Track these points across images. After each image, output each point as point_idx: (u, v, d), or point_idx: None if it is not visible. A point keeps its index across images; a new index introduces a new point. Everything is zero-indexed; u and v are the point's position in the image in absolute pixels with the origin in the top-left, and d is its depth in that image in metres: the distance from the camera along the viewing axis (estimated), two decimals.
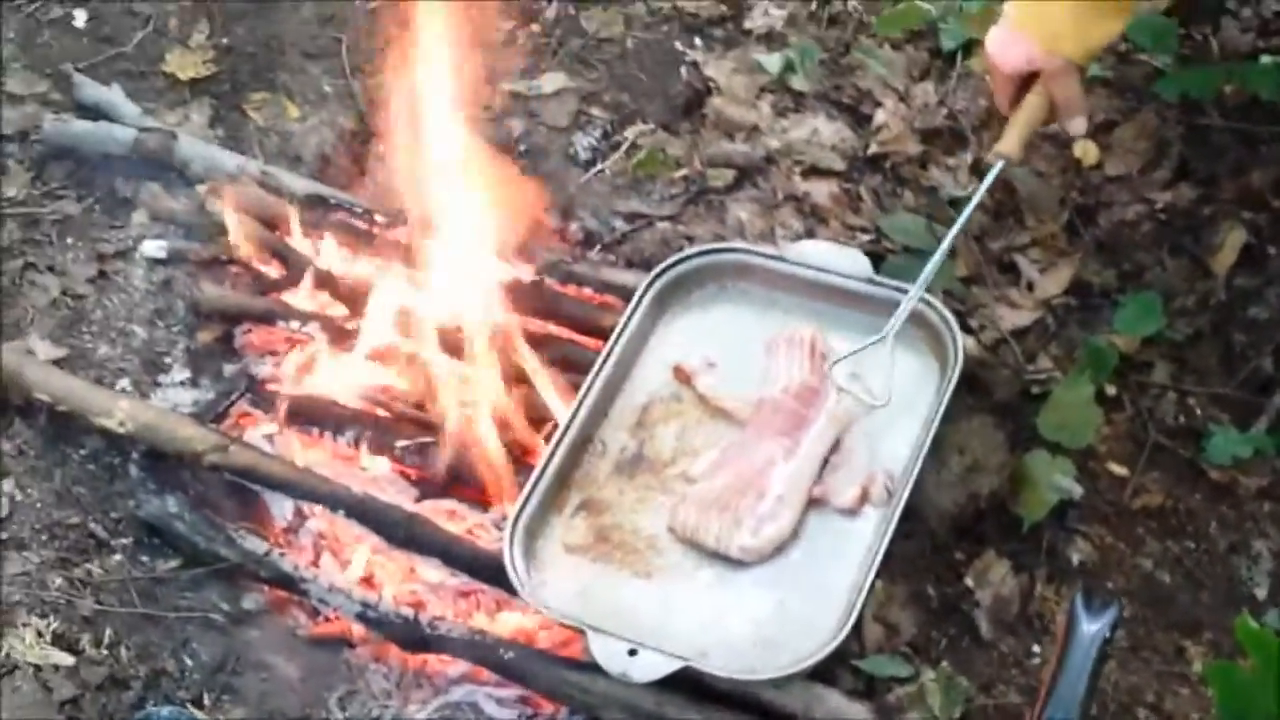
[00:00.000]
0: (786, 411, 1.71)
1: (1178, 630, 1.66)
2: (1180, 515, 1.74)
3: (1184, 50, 2.05)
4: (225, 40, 2.22)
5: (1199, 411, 1.79)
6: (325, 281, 1.92)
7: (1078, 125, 1.74)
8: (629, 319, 1.79)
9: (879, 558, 1.58)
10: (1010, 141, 1.70)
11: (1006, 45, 1.73)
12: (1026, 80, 1.70)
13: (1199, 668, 1.63)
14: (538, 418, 1.78)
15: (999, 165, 1.71)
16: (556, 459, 1.69)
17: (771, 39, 2.17)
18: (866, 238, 1.91)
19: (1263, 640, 1.18)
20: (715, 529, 1.63)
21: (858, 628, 1.58)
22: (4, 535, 1.72)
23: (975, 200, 1.71)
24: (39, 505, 1.75)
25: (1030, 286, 1.90)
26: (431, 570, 1.73)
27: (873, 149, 2.02)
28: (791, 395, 1.72)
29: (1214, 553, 1.71)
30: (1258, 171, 1.94)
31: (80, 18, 2.24)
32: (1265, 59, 2.01)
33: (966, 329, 1.79)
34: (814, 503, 1.66)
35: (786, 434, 1.69)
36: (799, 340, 1.76)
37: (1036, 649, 1.64)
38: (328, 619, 1.72)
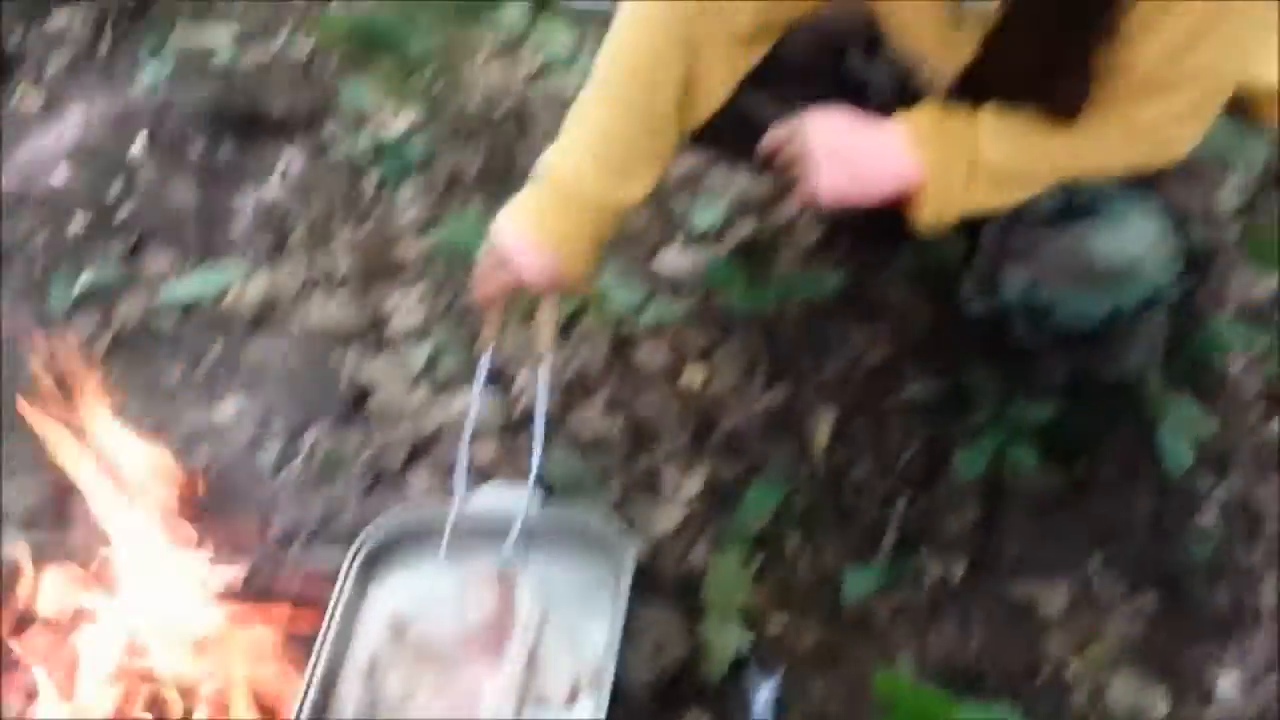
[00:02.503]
0: (484, 637, 1.96)
1: None
2: (833, 650, 2.01)
3: (749, 283, 2.46)
4: None
5: (829, 564, 2.10)
6: (47, 622, 2.07)
7: (544, 343, 2.02)
8: (340, 591, 2.01)
9: None
10: (546, 339, 2.02)
11: (531, 251, 1.93)
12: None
13: None
14: (274, 697, 1.97)
15: (547, 369, 2.01)
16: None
17: (415, 336, 2.47)
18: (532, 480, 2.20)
19: (895, 685, 1.48)
20: None
21: None
22: None
23: (545, 398, 2.02)
24: None
25: (673, 494, 2.21)
26: None
27: (519, 409, 2.34)
28: (485, 622, 1.97)
29: (866, 674, 1.95)
30: (829, 365, 2.31)
31: None
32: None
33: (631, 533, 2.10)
34: (535, 703, 1.91)
35: (488, 655, 1.94)
36: (484, 576, 2.03)
37: None
38: None
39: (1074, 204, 1.83)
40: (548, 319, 2.03)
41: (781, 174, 1.93)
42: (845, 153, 1.86)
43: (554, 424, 2.30)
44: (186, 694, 1.95)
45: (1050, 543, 2.09)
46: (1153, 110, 1.76)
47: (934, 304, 2.35)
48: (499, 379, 2.33)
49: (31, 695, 2.00)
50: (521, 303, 2.07)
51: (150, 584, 2.04)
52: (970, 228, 1.93)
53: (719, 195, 2.61)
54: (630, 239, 2.55)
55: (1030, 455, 2.14)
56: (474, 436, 2.07)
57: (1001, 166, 1.83)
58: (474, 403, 2.03)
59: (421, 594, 2.04)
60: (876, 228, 2.38)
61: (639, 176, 1.97)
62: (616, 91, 1.96)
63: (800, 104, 1.92)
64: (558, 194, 1.95)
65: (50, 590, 2.10)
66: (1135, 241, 1.82)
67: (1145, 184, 1.84)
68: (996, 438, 2.15)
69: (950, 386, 2.25)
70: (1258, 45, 1.78)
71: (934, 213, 1.87)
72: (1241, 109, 1.89)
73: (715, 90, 1.99)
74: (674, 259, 2.53)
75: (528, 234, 1.94)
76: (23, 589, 2.09)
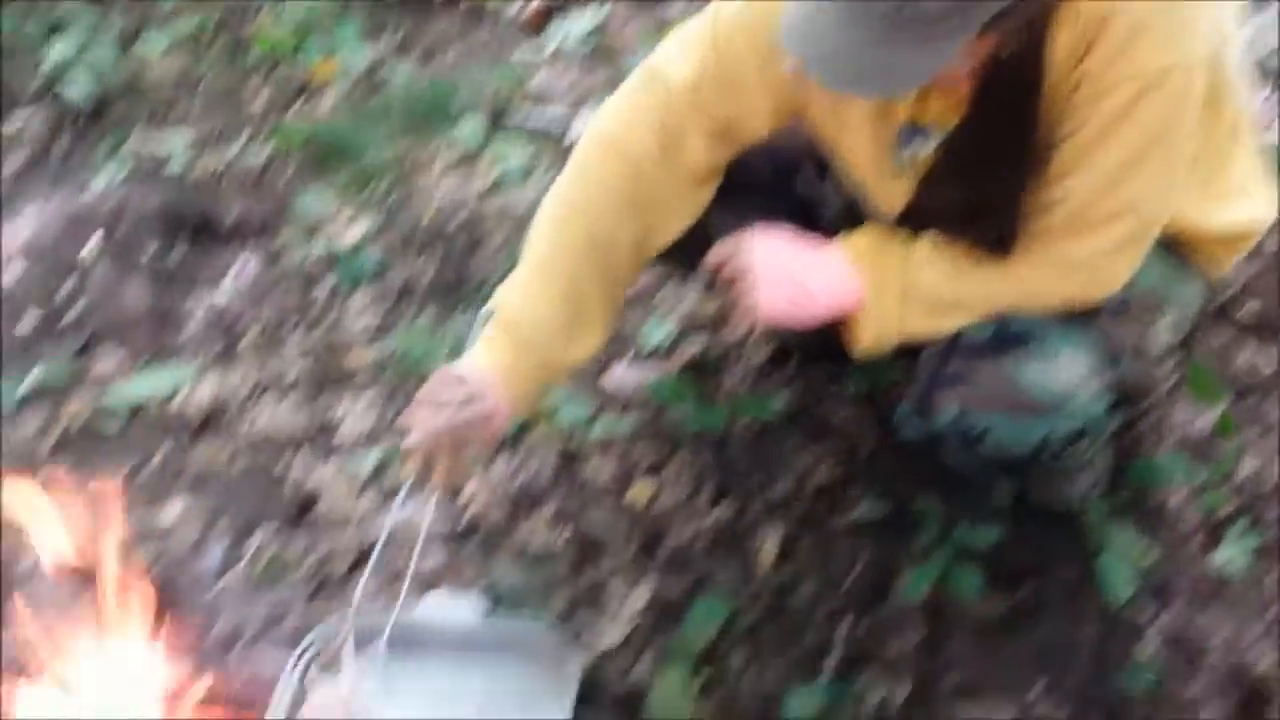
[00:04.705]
0: None
1: None
2: None
3: (697, 401, 2.49)
4: None
5: (772, 683, 2.09)
6: None
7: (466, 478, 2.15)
8: (282, 694, 2.00)
9: None
10: (466, 477, 2.11)
11: (488, 394, 1.88)
12: None
13: None
14: None
15: (436, 496, 1.95)
16: None
17: (363, 442, 2.47)
18: (478, 590, 2.20)
19: None
20: None
21: None
22: None
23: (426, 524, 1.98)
24: None
25: (618, 609, 2.21)
26: None
27: (465, 520, 2.34)
28: None
29: None
30: (778, 484, 2.33)
31: None
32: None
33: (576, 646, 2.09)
34: None
35: None
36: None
37: None
38: None
39: (1009, 333, 1.87)
40: (473, 456, 2.07)
41: (724, 289, 1.97)
42: (784, 273, 1.90)
43: (500, 534, 2.31)
44: None
45: (993, 667, 2.10)
46: (1086, 245, 1.81)
47: (881, 426, 2.38)
48: None
49: None
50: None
51: (94, 682, 2.01)
52: (910, 353, 1.97)
53: (669, 312, 2.65)
54: None
55: (974, 579, 2.16)
56: (423, 547, 2.07)
57: (935, 293, 1.88)
58: (385, 528, 1.98)
59: (365, 699, 2.01)
60: (824, 348, 2.41)
61: (592, 333, 1.99)
62: (569, 256, 1.96)
63: (752, 217, 1.97)
64: (507, 340, 1.93)
65: None
66: (1067, 373, 1.87)
67: (1081, 317, 1.88)
68: (941, 561, 2.18)
69: (896, 508, 2.28)
70: (1185, 185, 1.84)
71: (871, 336, 1.91)
72: (1178, 252, 1.95)
73: (673, 233, 2.04)
74: (623, 374, 2.55)
75: (491, 378, 1.91)
76: None
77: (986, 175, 1.81)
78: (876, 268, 1.87)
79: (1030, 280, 1.85)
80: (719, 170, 2.03)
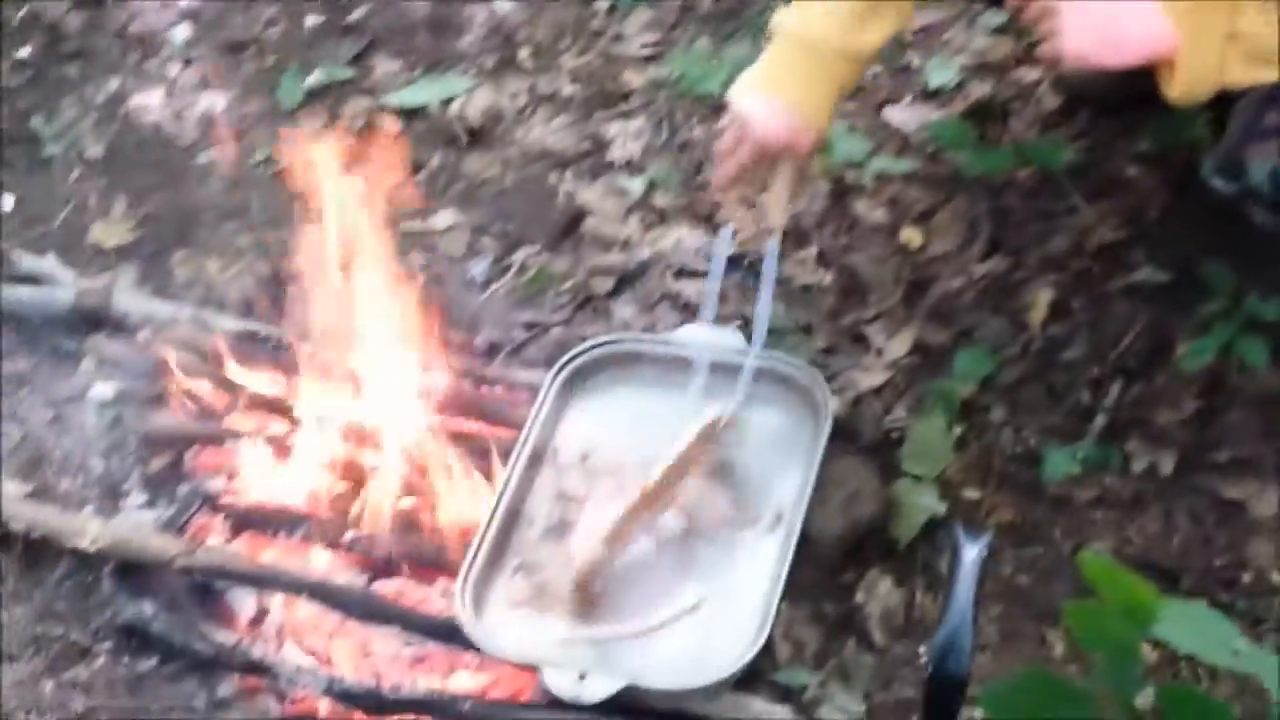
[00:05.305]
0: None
1: (1039, 621, 1.89)
2: (1028, 527, 1.98)
3: (979, 145, 2.39)
4: (143, 211, 2.46)
5: (1032, 441, 2.05)
6: (262, 402, 2.14)
7: (776, 220, 1.98)
8: (540, 408, 2.03)
9: (782, 583, 1.82)
10: (777, 218, 1.98)
11: (769, 116, 1.90)
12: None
13: (1060, 650, 1.88)
14: (468, 501, 2.01)
15: (777, 239, 1.98)
16: (492, 531, 1.90)
17: (633, 166, 2.45)
18: (736, 323, 2.19)
19: (1105, 570, 1.43)
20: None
21: (769, 647, 1.82)
22: None
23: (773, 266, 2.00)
24: (23, 623, 1.93)
25: (879, 352, 2.17)
26: (387, 644, 1.92)
27: (731, 250, 2.31)
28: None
29: (1060, 555, 1.95)
30: (1055, 239, 2.24)
31: (8, 202, 2.47)
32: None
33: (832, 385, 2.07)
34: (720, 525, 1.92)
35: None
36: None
37: (922, 649, 1.89)
38: (295, 700, 1.90)
39: None
40: (781, 190, 1.99)
41: (1028, 24, 1.85)
42: (1096, 12, 1.78)
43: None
44: (388, 486, 1.99)
45: (1268, 447, 2.00)
46: None
47: (1173, 188, 2.24)
48: (711, 219, 2.31)
49: (232, 474, 2.07)
50: (759, 178, 2.02)
51: (361, 379, 2.07)
52: (1221, 104, 1.83)
53: (957, 52, 2.53)
54: (860, 90, 2.49)
55: (1261, 352, 2.04)
56: (686, 273, 2.07)
57: (1261, 41, 1.73)
58: (712, 281, 2.01)
59: (620, 422, 2.04)
60: (1121, 99, 2.28)
61: (879, 18, 1.90)
62: None
63: None
64: (795, 48, 1.90)
65: (260, 375, 2.16)
66: None
67: None
68: (1226, 331, 2.06)
69: (1181, 274, 2.16)
70: None
71: (1185, 84, 1.77)
72: None
73: None
74: (904, 114, 2.46)
75: (766, 97, 1.90)
76: (232, 372, 2.15)
77: None
78: (1197, 11, 1.73)
79: None
80: None
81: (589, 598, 1.86)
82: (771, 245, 2.01)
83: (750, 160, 1.94)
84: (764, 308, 2.01)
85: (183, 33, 2.79)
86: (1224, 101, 1.83)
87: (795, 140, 1.93)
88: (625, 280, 2.29)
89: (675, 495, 1.93)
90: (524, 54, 2.66)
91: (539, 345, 2.22)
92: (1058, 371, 2.12)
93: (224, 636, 1.91)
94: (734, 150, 1.95)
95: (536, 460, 2.00)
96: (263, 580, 1.95)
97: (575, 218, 2.39)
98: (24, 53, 2.78)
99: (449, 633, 1.86)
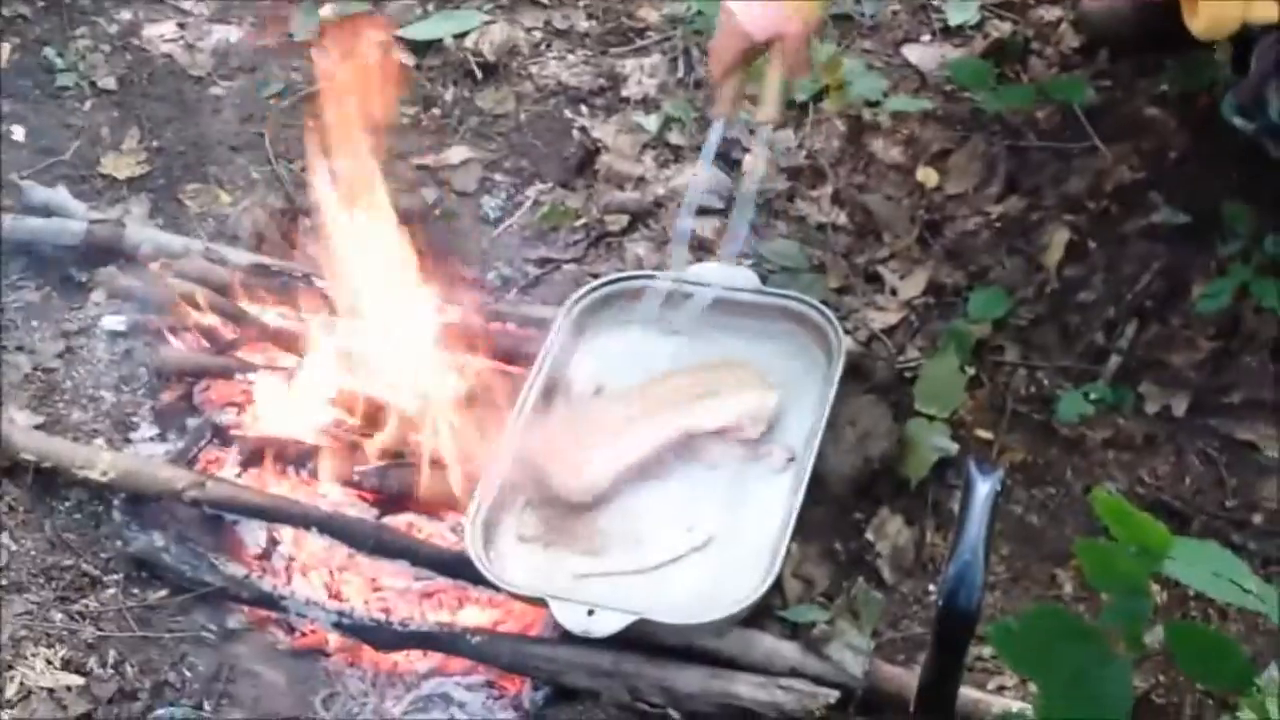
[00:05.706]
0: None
1: (1049, 561, 1.90)
2: (1040, 467, 1.98)
3: (998, 84, 2.37)
4: (155, 142, 2.45)
5: (1046, 381, 2.04)
6: (272, 336, 2.14)
7: (769, 112, 1.94)
8: (553, 342, 2.02)
9: (793, 521, 1.82)
10: (770, 109, 1.94)
11: (756, 11, 1.87)
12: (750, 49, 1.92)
13: (1070, 589, 1.88)
14: (479, 434, 2.00)
15: (768, 129, 1.98)
16: (504, 465, 1.92)
17: (648, 103, 2.43)
18: (749, 262, 2.17)
19: (1118, 508, 1.43)
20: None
21: (779, 584, 1.82)
22: (4, 581, 1.88)
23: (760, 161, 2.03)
24: (33, 553, 1.93)
25: (893, 291, 2.16)
26: (396, 578, 1.93)
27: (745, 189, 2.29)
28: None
29: (1072, 495, 1.95)
30: (1073, 180, 2.22)
31: (19, 132, 2.46)
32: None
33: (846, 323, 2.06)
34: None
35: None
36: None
37: (931, 588, 1.89)
38: (304, 632, 1.91)
39: None
40: (772, 85, 1.95)
41: None
42: None
43: (779, 207, 2.26)
44: (398, 420, 1.99)
45: None
46: None
47: (1193, 129, 2.22)
48: (728, 159, 2.29)
49: (242, 407, 2.07)
50: (755, 73, 1.99)
51: (372, 314, 2.06)
52: (1244, 42, 1.81)
53: None
54: (878, 28, 2.47)
55: (1277, 295, 2.02)
56: (699, 212, 2.05)
57: None
58: (701, 169, 2.00)
59: (632, 357, 2.04)
60: (1140, 42, 2.26)
61: None
62: None
63: None
64: None
65: (271, 309, 2.15)
66: None
67: None
68: (1244, 273, 2.04)
69: (1198, 216, 2.14)
70: None
71: (1209, 19, 1.74)
72: None
73: None
74: (922, 53, 2.44)
75: None
76: (244, 306, 2.14)
77: None
78: None
79: None
80: None
81: (595, 531, 1.87)
82: (758, 144, 2.00)
83: (740, 51, 1.92)
84: (745, 204, 2.01)
85: None
86: (1246, 40, 1.80)
87: (782, 28, 1.89)
88: (639, 218, 2.28)
89: (686, 429, 1.93)
90: None
91: (551, 282, 2.21)
92: (1072, 312, 2.11)
93: (233, 569, 1.91)
94: (726, 44, 1.93)
95: (549, 394, 2.00)
96: (272, 513, 1.95)
97: (589, 154, 2.38)
98: None
99: (458, 567, 1.87)
